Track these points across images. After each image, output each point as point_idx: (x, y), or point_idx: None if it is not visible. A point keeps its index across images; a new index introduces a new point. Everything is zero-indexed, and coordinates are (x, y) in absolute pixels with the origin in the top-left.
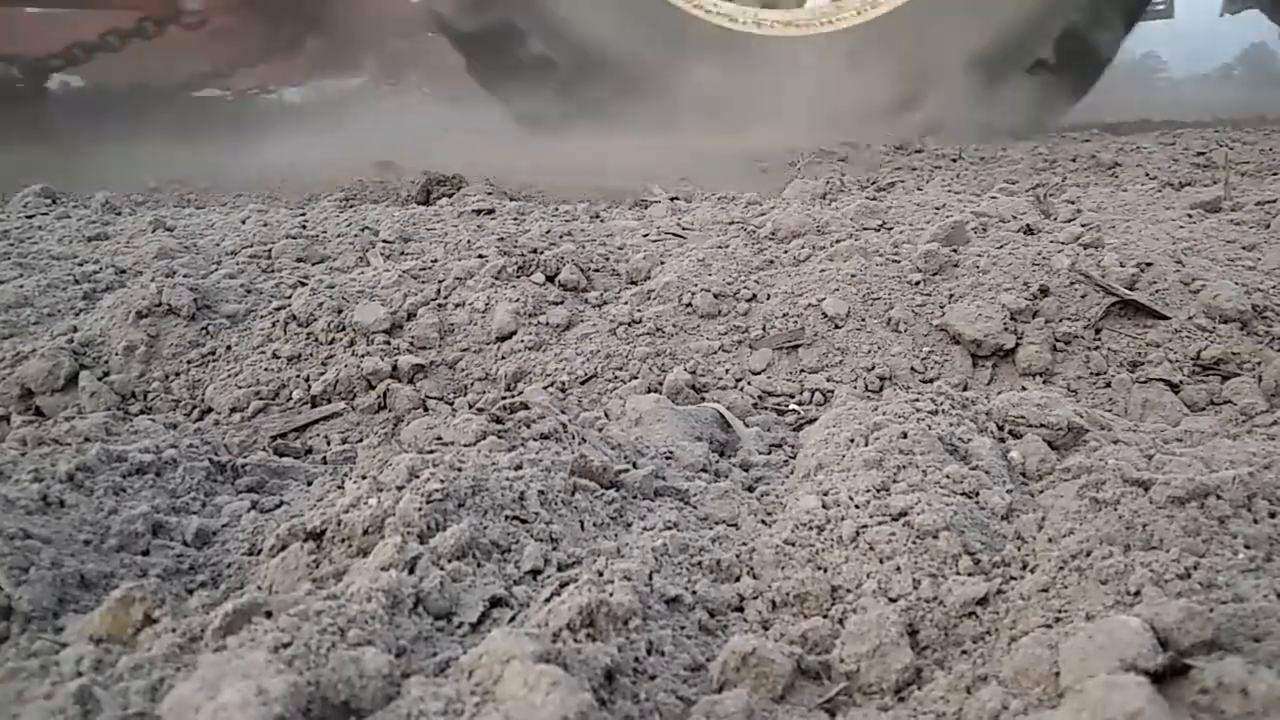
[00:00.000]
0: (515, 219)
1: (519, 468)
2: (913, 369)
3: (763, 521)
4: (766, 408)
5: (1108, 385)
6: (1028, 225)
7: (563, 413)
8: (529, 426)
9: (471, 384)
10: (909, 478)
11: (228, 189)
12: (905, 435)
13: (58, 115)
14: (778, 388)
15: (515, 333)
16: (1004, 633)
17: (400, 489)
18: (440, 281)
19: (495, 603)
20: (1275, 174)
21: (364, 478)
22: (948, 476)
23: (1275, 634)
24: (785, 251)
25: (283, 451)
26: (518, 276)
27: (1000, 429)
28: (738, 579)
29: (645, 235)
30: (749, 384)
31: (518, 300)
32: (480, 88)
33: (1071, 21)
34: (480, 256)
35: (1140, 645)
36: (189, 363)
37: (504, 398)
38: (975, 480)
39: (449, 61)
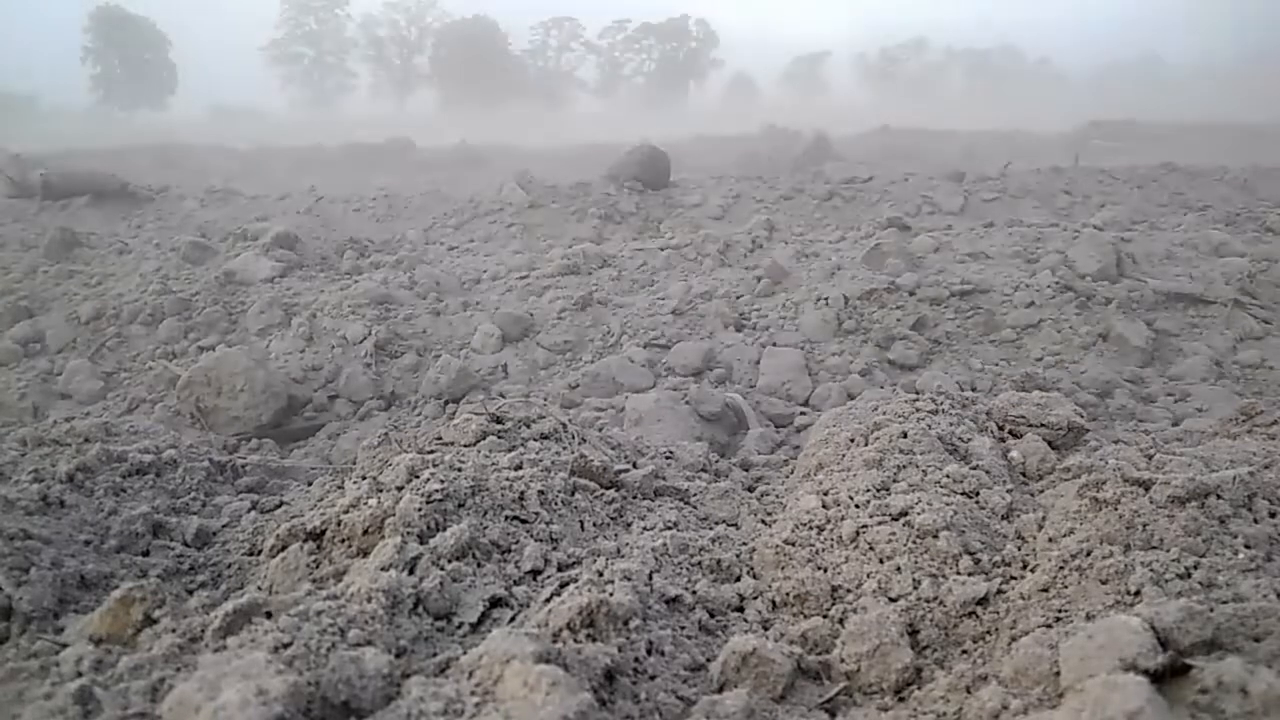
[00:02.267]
0: None
1: (519, 468)
2: None
3: (763, 521)
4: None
5: None
6: None
7: (563, 412)
8: (529, 426)
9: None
10: (909, 477)
11: None
12: (905, 435)
13: None
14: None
15: None
16: (1004, 632)
17: (400, 489)
18: None
19: (495, 603)
20: None
21: (364, 478)
22: (948, 476)
23: (1275, 634)
24: None
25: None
26: None
27: (1000, 428)
28: (738, 579)
29: None
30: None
31: None
32: None
33: None
34: None
35: (1140, 645)
36: None
37: (503, 397)
38: (975, 480)
39: None
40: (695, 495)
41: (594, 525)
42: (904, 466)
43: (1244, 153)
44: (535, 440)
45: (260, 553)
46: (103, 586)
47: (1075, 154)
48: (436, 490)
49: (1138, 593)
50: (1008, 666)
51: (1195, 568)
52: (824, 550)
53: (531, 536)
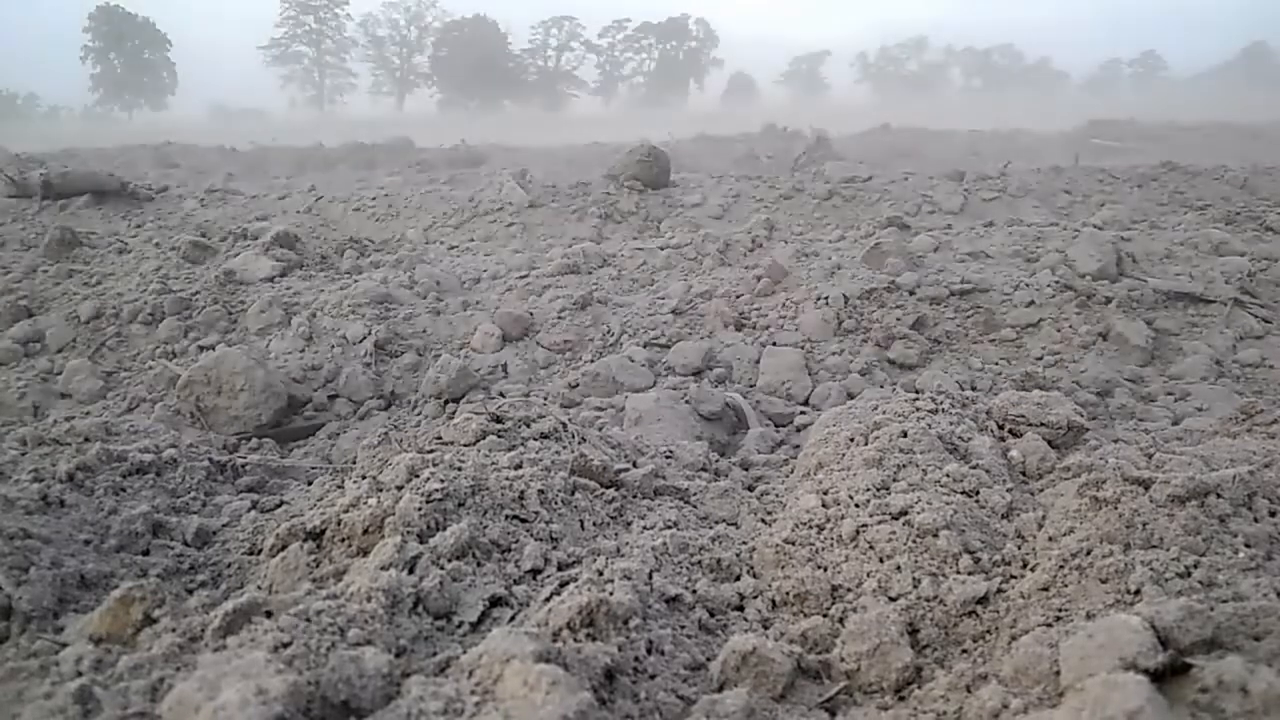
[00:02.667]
0: None
1: (519, 467)
2: None
3: (763, 520)
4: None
5: None
6: None
7: (563, 412)
8: (529, 426)
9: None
10: (909, 476)
11: None
12: (905, 434)
13: None
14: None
15: None
16: (1004, 631)
17: (400, 489)
18: None
19: (495, 602)
20: None
21: (364, 477)
22: (948, 475)
23: (1275, 632)
24: None
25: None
26: None
27: (1000, 427)
28: (738, 578)
29: None
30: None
31: None
32: None
33: None
34: None
35: (1140, 644)
36: None
37: (503, 396)
38: (975, 479)
39: None
40: (695, 495)
41: (594, 524)
42: (904, 466)
43: (1244, 153)
44: (535, 440)
45: (260, 552)
46: (103, 586)
47: (1075, 154)
48: (436, 490)
49: (1138, 592)
50: (1008, 666)
51: (1195, 567)
52: (824, 549)
53: (531, 536)
